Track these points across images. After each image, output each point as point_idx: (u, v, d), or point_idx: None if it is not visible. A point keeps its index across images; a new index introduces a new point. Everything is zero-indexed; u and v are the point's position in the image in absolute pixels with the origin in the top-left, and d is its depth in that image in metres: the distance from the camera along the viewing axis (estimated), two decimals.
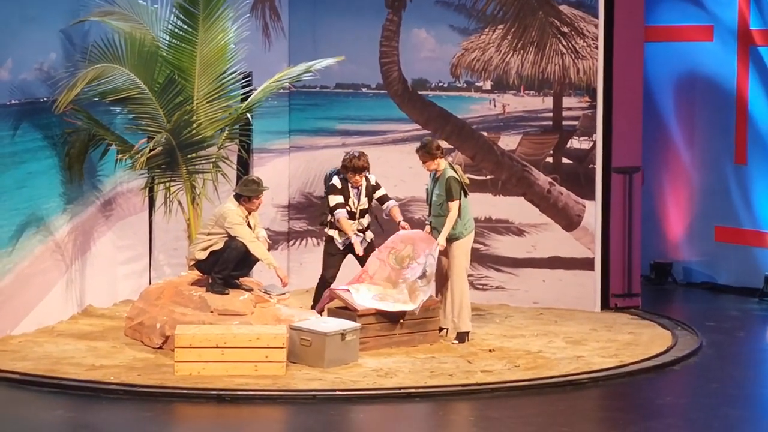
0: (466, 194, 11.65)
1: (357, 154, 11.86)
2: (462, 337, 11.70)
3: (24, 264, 11.66)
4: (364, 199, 11.94)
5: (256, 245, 11.16)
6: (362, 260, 11.96)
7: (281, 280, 11.31)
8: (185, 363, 10.37)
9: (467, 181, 11.75)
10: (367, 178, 11.96)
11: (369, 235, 12.03)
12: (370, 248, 12.01)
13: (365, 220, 11.99)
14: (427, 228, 11.84)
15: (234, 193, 11.36)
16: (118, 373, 10.42)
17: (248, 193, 11.25)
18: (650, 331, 12.35)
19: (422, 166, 11.70)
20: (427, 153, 11.60)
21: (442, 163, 11.63)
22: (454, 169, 11.63)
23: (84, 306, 12.54)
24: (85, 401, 9.88)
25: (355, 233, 11.89)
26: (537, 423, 9.57)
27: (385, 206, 12.05)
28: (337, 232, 11.95)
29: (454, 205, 11.51)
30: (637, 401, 10.29)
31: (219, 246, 11.21)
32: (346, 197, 11.89)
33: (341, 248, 11.97)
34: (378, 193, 12.02)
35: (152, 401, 9.88)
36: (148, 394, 9.98)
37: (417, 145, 11.79)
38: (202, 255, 11.29)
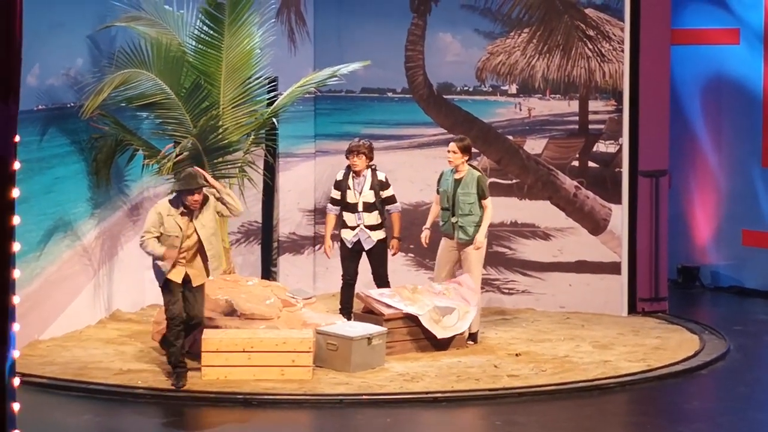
0: None
1: (358, 139, 12.07)
2: (475, 337, 11.74)
3: (52, 269, 11.70)
4: (368, 192, 11.90)
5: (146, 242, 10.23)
6: (372, 258, 11.93)
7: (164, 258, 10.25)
8: (212, 367, 10.38)
9: None
10: (374, 172, 11.94)
11: (378, 234, 11.97)
12: (381, 248, 11.97)
13: (371, 216, 11.93)
14: (427, 233, 11.83)
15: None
16: (145, 377, 10.44)
17: (179, 186, 10.23)
18: (678, 336, 12.31)
19: (450, 157, 11.68)
20: (465, 149, 11.65)
21: (465, 165, 11.71)
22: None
23: (111, 310, 12.57)
24: (112, 405, 9.91)
25: (358, 227, 11.87)
26: (564, 428, 9.55)
27: (387, 209, 12.02)
28: (344, 230, 11.96)
29: (490, 202, 11.68)
30: (664, 406, 10.25)
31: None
32: (345, 189, 11.90)
33: (349, 246, 11.97)
34: (384, 193, 11.98)
35: (179, 405, 9.91)
36: (175, 398, 10.00)
37: (444, 148, 11.86)
38: None
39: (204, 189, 10.19)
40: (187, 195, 10.10)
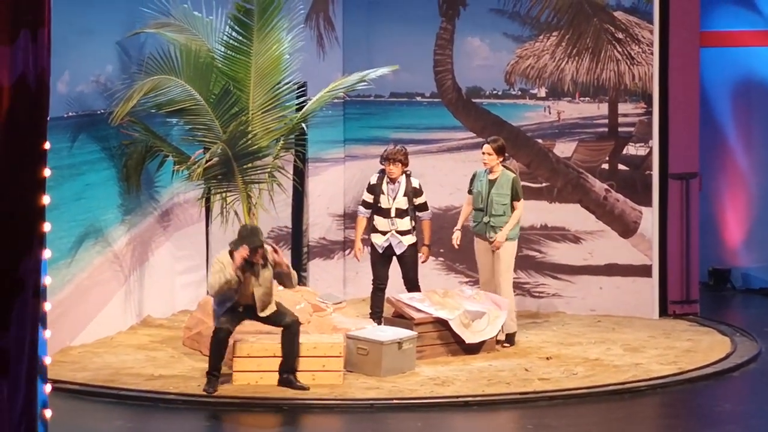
0: None
1: (393, 145, 12.04)
2: (512, 339, 11.71)
3: (83, 275, 11.74)
4: (402, 199, 11.91)
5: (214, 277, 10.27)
6: (403, 263, 11.94)
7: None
8: (243, 372, 10.41)
9: None
10: (408, 179, 11.95)
11: (409, 239, 11.96)
12: (412, 253, 11.96)
13: (403, 222, 11.94)
14: (458, 234, 11.87)
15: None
16: (176, 382, 10.47)
17: (242, 243, 10.23)
18: (709, 338, 12.26)
19: (485, 159, 11.69)
20: (499, 150, 11.67)
21: (500, 166, 11.72)
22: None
23: (143, 316, 12.61)
24: (144, 411, 9.94)
25: (389, 233, 11.87)
26: (595, 431, 9.52)
27: (418, 216, 12.02)
28: (375, 234, 11.97)
29: (522, 204, 11.74)
30: (696, 408, 10.22)
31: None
32: (378, 194, 11.91)
33: (380, 251, 11.97)
34: (418, 200, 11.99)
35: (211, 411, 9.93)
36: (206, 403, 10.02)
37: (473, 151, 11.85)
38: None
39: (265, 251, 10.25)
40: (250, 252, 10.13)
